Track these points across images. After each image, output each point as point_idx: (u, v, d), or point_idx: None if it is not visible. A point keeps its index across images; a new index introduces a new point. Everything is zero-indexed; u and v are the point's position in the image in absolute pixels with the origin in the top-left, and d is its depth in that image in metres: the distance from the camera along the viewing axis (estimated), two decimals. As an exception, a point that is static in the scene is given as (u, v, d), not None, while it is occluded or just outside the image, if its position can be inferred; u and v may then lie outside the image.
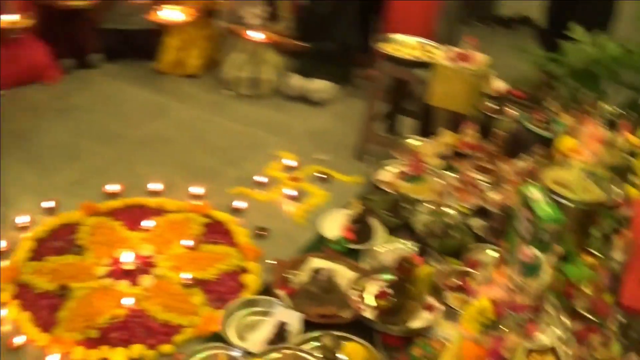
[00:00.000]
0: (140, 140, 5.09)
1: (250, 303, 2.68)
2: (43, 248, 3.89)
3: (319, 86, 5.57)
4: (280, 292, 2.66)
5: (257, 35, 5.58)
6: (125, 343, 3.26)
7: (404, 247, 2.94)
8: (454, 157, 3.56)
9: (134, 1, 6.27)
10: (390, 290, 2.56)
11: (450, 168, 3.48)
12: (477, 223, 3.08)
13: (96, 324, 3.35)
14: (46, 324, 3.34)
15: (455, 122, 3.95)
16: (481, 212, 3.12)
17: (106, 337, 3.29)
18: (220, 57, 6.24)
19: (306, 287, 2.71)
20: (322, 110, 5.52)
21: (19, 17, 5.76)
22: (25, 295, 3.52)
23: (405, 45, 4.56)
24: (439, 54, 4.28)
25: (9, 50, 5.93)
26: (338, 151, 4.87)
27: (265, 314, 2.59)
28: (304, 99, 5.63)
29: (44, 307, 3.45)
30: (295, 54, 5.81)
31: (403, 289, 2.53)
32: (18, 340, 3.22)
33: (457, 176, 3.36)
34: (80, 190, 4.45)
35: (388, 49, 4.48)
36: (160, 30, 6.54)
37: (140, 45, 6.48)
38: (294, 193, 4.35)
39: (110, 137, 5.14)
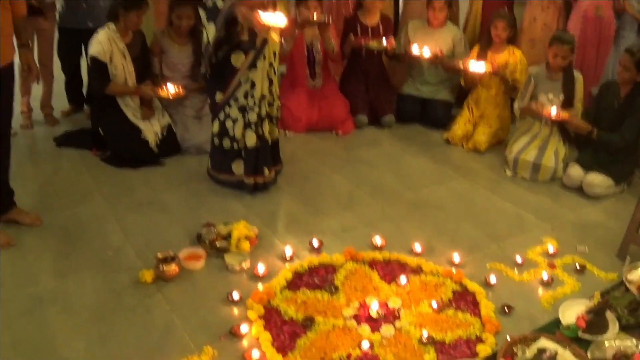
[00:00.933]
0: (413, 201, 5.22)
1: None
2: (300, 281, 4.12)
3: (597, 181, 5.36)
4: (500, 361, 2.64)
5: (553, 111, 5.49)
6: (351, 381, 3.35)
7: (631, 345, 2.85)
8: None
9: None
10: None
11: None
12: None
13: (329, 358, 3.46)
14: (283, 347, 3.52)
15: None
16: None
17: (335, 371, 3.40)
18: (507, 137, 6.26)
19: (527, 362, 2.66)
20: (595, 204, 5.30)
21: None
22: (272, 318, 3.74)
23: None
24: None
25: (314, 99, 6.43)
26: (600, 246, 4.66)
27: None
28: (579, 190, 5.47)
29: (286, 332, 3.64)
30: (580, 143, 5.68)
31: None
32: (254, 354, 3.41)
33: None
34: (346, 236, 4.65)
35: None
36: (454, 103, 6.74)
37: (433, 114, 6.72)
38: (548, 278, 4.23)
39: (386, 193, 5.33)
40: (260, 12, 4.68)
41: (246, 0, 4.75)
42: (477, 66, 6.10)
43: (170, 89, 5.70)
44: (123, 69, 5.57)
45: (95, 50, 5.42)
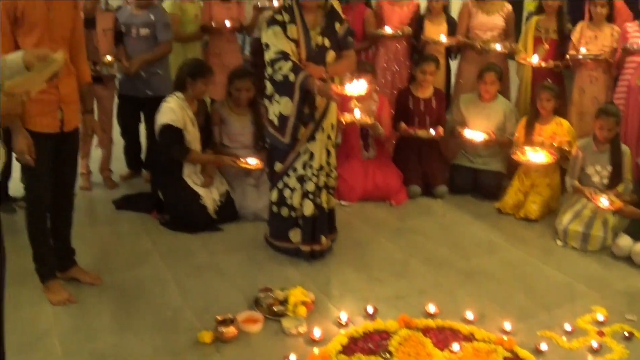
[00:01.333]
0: (465, 270, 5.27)
1: None
2: (355, 346, 4.17)
3: (647, 250, 5.41)
4: None
5: (604, 203, 5.57)
6: None
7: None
8: None
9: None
10: None
11: None
12: None
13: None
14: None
15: None
16: None
17: None
18: (558, 206, 6.31)
19: None
20: (643, 274, 5.37)
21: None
22: (328, 381, 3.82)
23: None
24: None
25: (368, 170, 6.55)
26: (648, 314, 4.72)
27: None
28: (629, 259, 5.48)
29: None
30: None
31: None
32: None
33: None
34: (400, 303, 4.70)
35: None
36: (505, 174, 6.80)
37: (485, 184, 6.79)
38: (597, 346, 4.25)
39: (438, 262, 5.38)
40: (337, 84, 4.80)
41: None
42: (537, 157, 6.24)
43: (251, 162, 5.86)
44: (193, 137, 5.75)
45: (169, 117, 5.59)
